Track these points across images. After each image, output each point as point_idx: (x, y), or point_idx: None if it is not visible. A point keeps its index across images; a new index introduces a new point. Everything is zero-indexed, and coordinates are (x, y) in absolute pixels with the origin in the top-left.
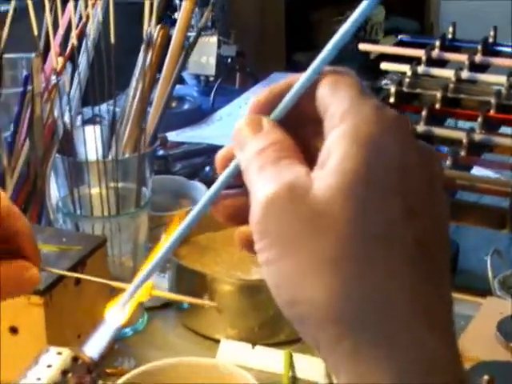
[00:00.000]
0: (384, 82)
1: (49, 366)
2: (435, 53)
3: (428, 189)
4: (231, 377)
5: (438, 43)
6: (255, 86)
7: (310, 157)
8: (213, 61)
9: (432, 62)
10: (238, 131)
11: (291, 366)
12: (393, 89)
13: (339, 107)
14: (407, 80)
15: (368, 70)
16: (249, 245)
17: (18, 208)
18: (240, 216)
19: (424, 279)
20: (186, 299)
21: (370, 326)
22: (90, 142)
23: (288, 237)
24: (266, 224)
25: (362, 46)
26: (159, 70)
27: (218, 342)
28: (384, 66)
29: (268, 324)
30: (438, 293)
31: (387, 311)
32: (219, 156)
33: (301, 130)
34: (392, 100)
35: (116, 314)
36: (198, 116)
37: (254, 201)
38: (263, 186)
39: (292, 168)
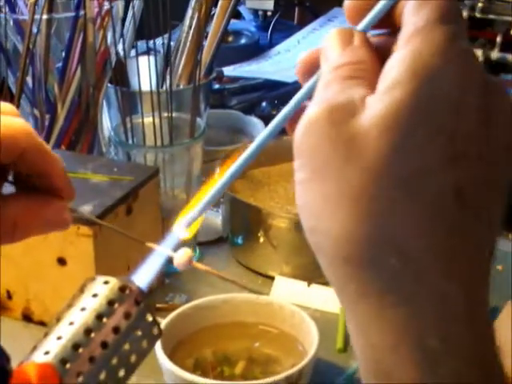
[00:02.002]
0: None
1: (94, 296)
2: None
3: (486, 134)
4: (286, 315)
5: None
6: (314, 21)
7: None
8: None
9: None
10: (329, 39)
11: None
12: (465, 14)
13: (412, 28)
14: (480, 5)
15: None
16: None
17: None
18: None
19: (454, 234)
20: (236, 282)
21: (381, 274)
22: (144, 73)
23: (319, 160)
24: (302, 143)
25: None
26: (215, 4)
27: (272, 278)
28: None
29: None
30: (469, 250)
31: (400, 260)
32: (301, 60)
33: (391, 38)
34: None
35: (167, 244)
36: (256, 51)
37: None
38: (313, 104)
39: (352, 89)
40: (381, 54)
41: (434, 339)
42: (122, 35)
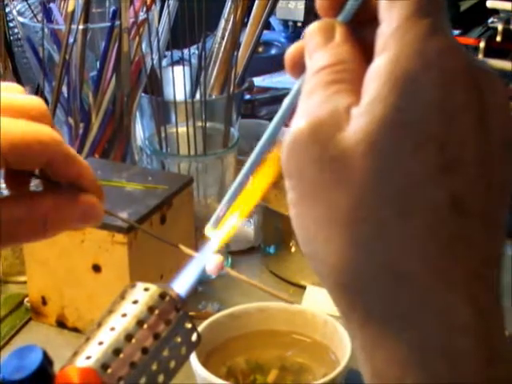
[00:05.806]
0: (491, 20)
1: (135, 302)
2: None
3: (482, 132)
4: (318, 324)
5: None
6: None
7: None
8: (301, 6)
9: None
10: (310, 36)
11: None
12: (500, 27)
13: (388, 28)
14: None
15: (458, 23)
16: None
17: (76, 151)
18: None
19: (455, 244)
20: (268, 290)
21: (380, 300)
22: (178, 82)
23: (307, 182)
24: (289, 163)
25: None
26: (248, 14)
27: (303, 288)
28: (490, 3)
29: None
30: (473, 257)
31: (397, 282)
32: (288, 56)
33: (372, 29)
34: (499, 39)
35: (205, 252)
36: None
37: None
38: (298, 118)
39: (335, 98)
40: (366, 44)
41: (442, 365)
42: (157, 45)
